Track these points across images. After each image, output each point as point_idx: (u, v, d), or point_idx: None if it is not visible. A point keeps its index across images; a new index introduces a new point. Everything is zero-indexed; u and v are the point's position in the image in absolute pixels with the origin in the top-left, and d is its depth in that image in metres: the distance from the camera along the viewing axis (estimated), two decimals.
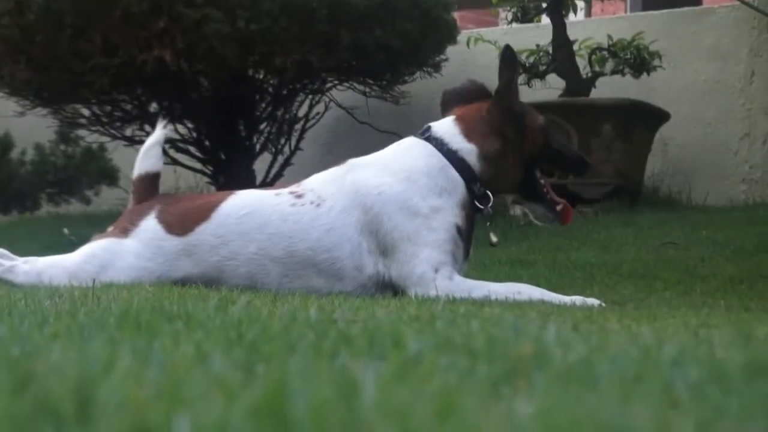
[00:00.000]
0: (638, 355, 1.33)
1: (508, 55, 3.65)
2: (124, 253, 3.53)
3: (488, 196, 3.53)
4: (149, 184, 3.74)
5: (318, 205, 3.51)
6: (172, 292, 2.84)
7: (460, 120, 3.61)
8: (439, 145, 3.55)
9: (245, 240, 3.51)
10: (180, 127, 7.90)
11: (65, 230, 6.29)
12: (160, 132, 3.83)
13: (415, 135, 3.68)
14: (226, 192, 3.93)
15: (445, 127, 3.61)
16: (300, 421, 0.79)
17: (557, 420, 0.83)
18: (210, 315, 1.78)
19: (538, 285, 3.55)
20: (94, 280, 3.23)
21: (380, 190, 3.48)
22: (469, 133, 3.56)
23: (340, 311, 2.08)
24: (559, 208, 3.62)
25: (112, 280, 3.34)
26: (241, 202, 3.60)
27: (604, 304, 3.21)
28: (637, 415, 0.86)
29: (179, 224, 3.57)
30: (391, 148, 3.70)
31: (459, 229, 3.48)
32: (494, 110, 3.58)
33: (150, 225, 3.58)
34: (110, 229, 3.69)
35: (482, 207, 3.53)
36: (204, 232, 3.53)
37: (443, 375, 1.12)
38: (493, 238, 3.74)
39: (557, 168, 3.79)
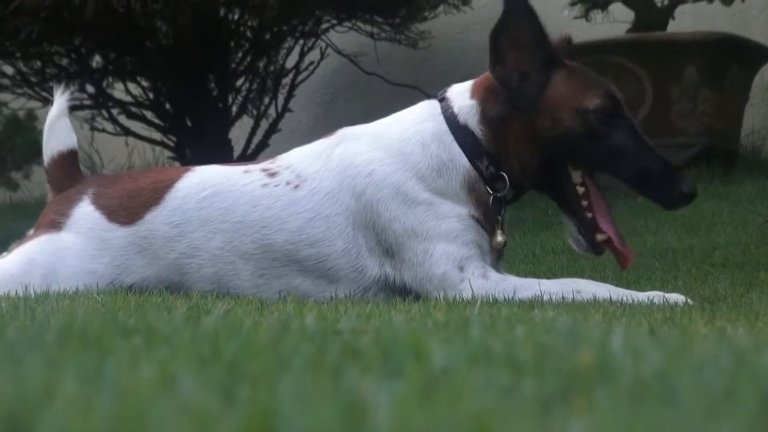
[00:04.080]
0: (731, 362, 1.34)
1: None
2: (63, 252, 3.50)
3: (503, 178, 3.41)
4: (67, 166, 3.72)
5: (296, 187, 3.48)
6: (128, 300, 2.85)
7: (485, 75, 3.51)
8: (446, 107, 3.49)
9: (208, 230, 3.51)
10: (132, 87, 7.92)
11: None
12: (61, 99, 3.76)
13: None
14: (180, 168, 3.87)
15: (466, 84, 3.55)
16: None
17: None
18: (177, 327, 1.78)
19: (604, 279, 3.54)
20: (25, 288, 3.23)
21: (370, 170, 3.43)
22: (476, 88, 3.49)
23: (345, 319, 2.09)
24: (600, 237, 3.37)
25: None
26: (201, 181, 3.58)
27: (690, 301, 3.21)
28: None
29: (123, 210, 3.56)
30: (400, 112, 3.64)
31: (475, 219, 3.41)
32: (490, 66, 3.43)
33: (86, 212, 3.57)
34: (30, 231, 3.65)
35: (496, 193, 3.41)
36: (156, 219, 3.52)
37: (478, 395, 1.13)
38: (499, 237, 3.46)
39: (623, 179, 3.46)
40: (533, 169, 3.44)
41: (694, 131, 6.70)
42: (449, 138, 3.43)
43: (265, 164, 3.62)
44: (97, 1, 6.65)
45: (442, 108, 3.49)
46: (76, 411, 0.95)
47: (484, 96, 3.44)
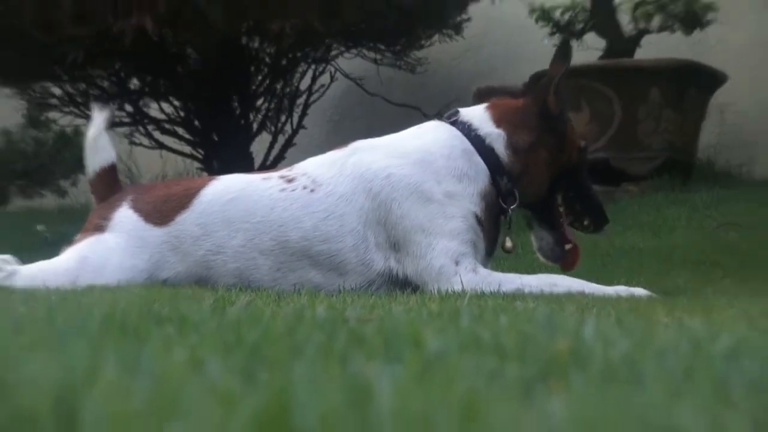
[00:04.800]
0: (689, 349, 1.33)
1: (563, 50, 3.63)
2: (108, 251, 3.49)
3: (515, 195, 3.52)
4: (109, 179, 3.73)
5: (312, 191, 3.49)
6: (162, 292, 2.84)
7: (493, 107, 3.62)
8: (466, 129, 3.55)
9: (231, 230, 3.51)
10: (165, 106, 7.92)
11: (39, 227, 6.29)
12: (99, 119, 3.74)
13: (440, 118, 3.67)
14: (207, 177, 3.88)
15: (476, 112, 3.62)
16: None
17: (597, 423, 0.84)
18: (205, 317, 1.78)
19: (577, 275, 3.54)
20: (74, 281, 3.22)
21: (388, 173, 3.46)
22: (500, 120, 3.56)
23: (351, 309, 2.09)
24: (567, 247, 3.62)
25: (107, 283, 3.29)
26: (224, 187, 3.59)
27: (653, 295, 3.20)
28: (687, 416, 0.87)
29: (157, 213, 3.56)
30: (408, 130, 3.68)
31: (478, 220, 3.45)
32: (533, 103, 3.58)
33: (126, 215, 3.57)
34: (78, 236, 3.63)
35: (507, 207, 3.51)
36: (185, 221, 3.53)
37: (469, 378, 1.12)
38: (508, 243, 3.66)
39: (577, 202, 3.66)
40: (543, 191, 3.59)
41: (657, 146, 6.69)
42: (477, 157, 3.50)
43: (283, 172, 3.63)
44: (133, 32, 6.64)
45: (461, 130, 3.56)
46: (117, 393, 0.94)
47: (511, 128, 3.55)
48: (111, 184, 3.72)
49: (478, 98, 3.70)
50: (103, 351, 1.31)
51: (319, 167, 3.57)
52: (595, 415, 0.87)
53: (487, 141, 3.52)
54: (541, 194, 3.58)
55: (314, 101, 7.98)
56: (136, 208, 3.58)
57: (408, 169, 3.46)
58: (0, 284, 3.30)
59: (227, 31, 6.99)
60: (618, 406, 0.94)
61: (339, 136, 7.79)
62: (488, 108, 3.62)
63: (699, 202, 6.13)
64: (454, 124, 3.58)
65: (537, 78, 3.66)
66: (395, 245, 3.43)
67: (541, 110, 3.55)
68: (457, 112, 3.63)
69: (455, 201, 3.44)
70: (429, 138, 3.57)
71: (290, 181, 3.55)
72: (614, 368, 1.20)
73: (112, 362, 1.17)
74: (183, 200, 3.58)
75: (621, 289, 3.24)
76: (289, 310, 2.08)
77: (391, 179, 3.44)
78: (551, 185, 3.58)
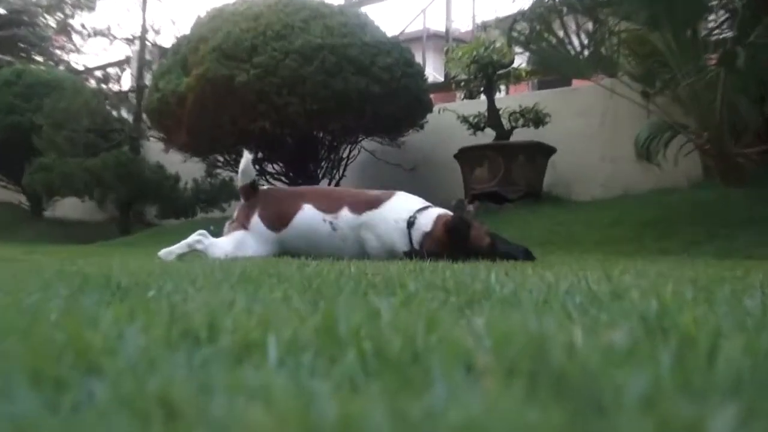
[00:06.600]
0: (545, 288, 1.28)
1: (458, 205, 3.17)
2: (251, 242, 3.37)
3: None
4: (250, 189, 3.53)
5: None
6: (271, 260, 2.80)
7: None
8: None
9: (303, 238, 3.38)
10: (276, 166, 7.87)
11: (211, 227, 6.23)
12: (247, 157, 3.54)
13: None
14: (300, 206, 3.66)
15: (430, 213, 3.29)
16: (344, 336, 0.75)
17: (498, 328, 0.78)
18: (293, 273, 1.74)
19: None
20: (227, 255, 3.16)
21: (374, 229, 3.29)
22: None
23: (370, 268, 2.03)
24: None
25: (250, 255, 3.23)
26: (304, 215, 3.40)
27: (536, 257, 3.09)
28: (546, 324, 0.82)
29: (274, 224, 3.41)
30: (387, 204, 3.33)
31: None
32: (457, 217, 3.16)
33: (257, 222, 3.42)
34: (232, 220, 3.51)
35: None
36: (286, 232, 3.39)
37: (429, 303, 1.07)
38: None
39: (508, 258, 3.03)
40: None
41: (522, 184, 6.59)
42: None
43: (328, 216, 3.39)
44: (260, 130, 6.61)
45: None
46: (243, 314, 0.89)
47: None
48: (251, 192, 3.53)
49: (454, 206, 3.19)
50: (238, 291, 1.26)
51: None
52: (496, 323, 0.82)
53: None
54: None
55: (350, 162, 7.93)
56: (262, 217, 3.42)
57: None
58: (202, 251, 3.29)
59: (306, 128, 6.95)
60: (508, 319, 0.89)
61: (361, 181, 7.75)
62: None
63: (544, 211, 6.08)
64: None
65: (458, 203, 3.26)
66: (362, 246, 3.29)
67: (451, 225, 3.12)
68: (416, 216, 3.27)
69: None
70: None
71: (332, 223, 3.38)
72: (506, 298, 1.14)
73: (242, 297, 1.12)
74: (286, 220, 3.40)
75: (514, 248, 3.09)
76: (337, 269, 2.02)
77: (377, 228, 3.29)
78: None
